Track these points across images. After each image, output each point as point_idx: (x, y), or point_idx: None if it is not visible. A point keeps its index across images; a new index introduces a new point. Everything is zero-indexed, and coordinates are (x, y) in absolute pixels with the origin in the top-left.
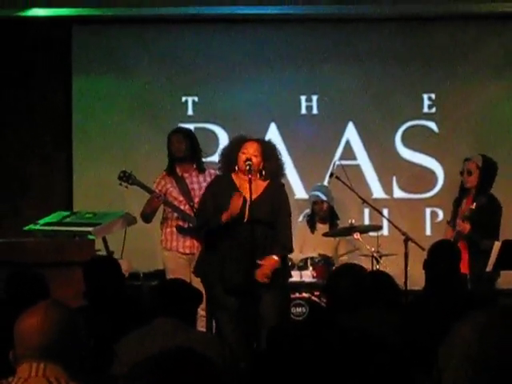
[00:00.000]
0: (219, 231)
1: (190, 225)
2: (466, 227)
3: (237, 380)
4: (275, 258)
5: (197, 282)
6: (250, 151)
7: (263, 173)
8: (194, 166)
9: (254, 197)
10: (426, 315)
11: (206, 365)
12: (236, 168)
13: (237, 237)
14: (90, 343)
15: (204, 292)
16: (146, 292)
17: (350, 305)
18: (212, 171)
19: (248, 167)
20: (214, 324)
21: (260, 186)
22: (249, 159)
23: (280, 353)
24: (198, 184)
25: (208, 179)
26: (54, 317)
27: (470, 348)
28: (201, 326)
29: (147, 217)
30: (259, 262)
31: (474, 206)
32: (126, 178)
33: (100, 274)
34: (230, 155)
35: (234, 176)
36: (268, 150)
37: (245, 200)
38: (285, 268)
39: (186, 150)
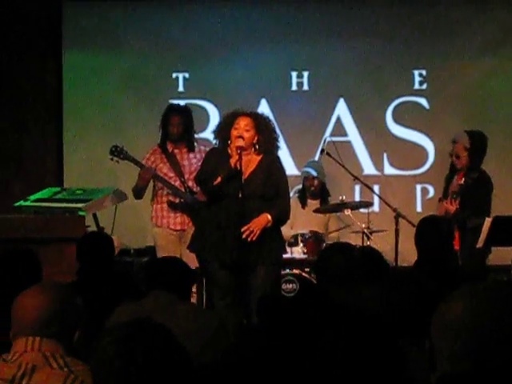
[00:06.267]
0: (214, 207)
1: (182, 200)
2: (451, 208)
3: (229, 355)
4: (268, 216)
5: (187, 259)
6: (242, 126)
7: (257, 147)
8: (185, 144)
9: (247, 172)
10: (417, 291)
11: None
12: (229, 143)
13: (231, 212)
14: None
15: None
16: (136, 268)
17: (341, 281)
18: (202, 147)
19: (239, 151)
20: (204, 301)
21: (254, 160)
22: (241, 136)
23: (269, 327)
24: (188, 160)
25: (198, 156)
26: (53, 297)
27: (464, 323)
28: None
29: (139, 192)
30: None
31: (463, 181)
32: (118, 152)
33: (94, 250)
34: (224, 131)
35: (229, 149)
36: (261, 124)
37: (239, 175)
38: (281, 243)
39: (182, 131)
